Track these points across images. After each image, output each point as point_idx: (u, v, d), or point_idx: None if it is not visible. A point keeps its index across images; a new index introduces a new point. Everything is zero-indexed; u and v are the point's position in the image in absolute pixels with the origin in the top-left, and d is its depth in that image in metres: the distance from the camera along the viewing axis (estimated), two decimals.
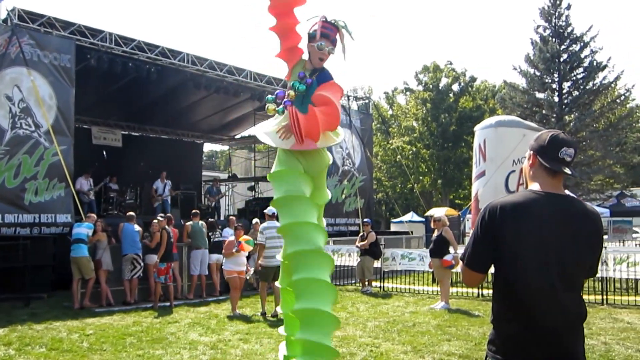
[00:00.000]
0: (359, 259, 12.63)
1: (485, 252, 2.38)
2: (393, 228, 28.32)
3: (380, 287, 12.46)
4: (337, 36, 4.30)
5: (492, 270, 2.49)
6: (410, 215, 29.40)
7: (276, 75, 16.12)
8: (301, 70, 4.35)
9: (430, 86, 37.08)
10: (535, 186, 2.40)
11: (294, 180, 4.26)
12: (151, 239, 10.14)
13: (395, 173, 36.89)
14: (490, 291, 7.70)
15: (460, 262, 2.51)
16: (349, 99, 18.31)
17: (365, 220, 13.63)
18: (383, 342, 7.02)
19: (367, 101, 20.70)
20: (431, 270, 11.49)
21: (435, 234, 10.42)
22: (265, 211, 9.64)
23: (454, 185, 36.52)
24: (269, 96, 4.39)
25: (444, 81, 37.63)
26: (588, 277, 2.48)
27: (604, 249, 9.16)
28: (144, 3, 79.13)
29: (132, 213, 11.01)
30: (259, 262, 9.06)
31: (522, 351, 2.28)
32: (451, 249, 10.14)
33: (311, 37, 4.30)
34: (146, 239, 10.31)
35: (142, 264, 10.19)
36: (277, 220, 9.65)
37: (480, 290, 11.24)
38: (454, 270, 10.65)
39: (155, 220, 10.33)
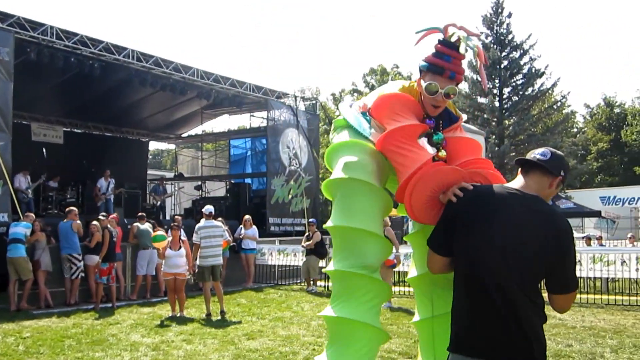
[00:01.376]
0: (304, 259, 12.74)
1: (444, 235, 2.38)
2: None
3: (325, 286, 12.59)
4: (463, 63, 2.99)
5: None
6: None
7: (223, 74, 16.02)
8: (424, 114, 3.05)
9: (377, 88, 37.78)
10: (511, 183, 2.41)
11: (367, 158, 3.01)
12: (91, 239, 9.91)
13: None
14: None
15: (428, 257, 2.50)
16: (296, 99, 18.40)
17: (310, 220, 13.75)
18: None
19: (314, 102, 20.85)
20: None
21: None
22: (203, 210, 9.60)
23: None
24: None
25: None
26: (562, 289, 2.34)
27: None
28: None
29: (72, 208, 10.68)
30: (195, 262, 9.02)
31: (468, 347, 2.26)
32: (393, 249, 10.35)
33: (421, 71, 2.98)
34: (87, 239, 10.07)
35: (78, 264, 9.93)
36: (215, 219, 9.71)
37: None
38: (395, 269, 10.89)
39: (94, 222, 10.09)
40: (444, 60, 2.87)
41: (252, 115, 19.63)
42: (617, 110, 42.88)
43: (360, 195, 2.94)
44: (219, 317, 8.73)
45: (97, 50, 13.14)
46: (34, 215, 10.35)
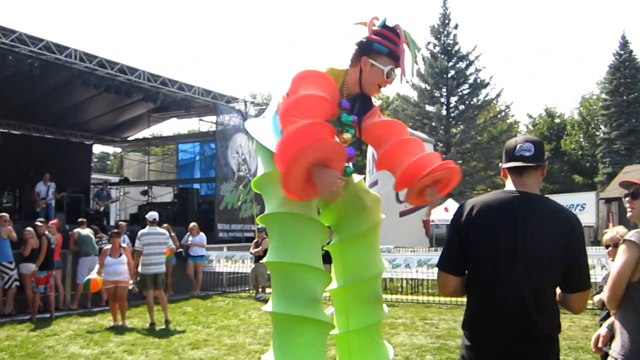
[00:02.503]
0: (252, 266, 12.62)
1: (457, 252, 2.28)
2: None
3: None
4: (405, 48, 3.03)
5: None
6: None
7: (171, 77, 15.71)
8: (343, 97, 3.06)
9: None
10: (509, 186, 2.35)
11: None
12: (25, 247, 9.47)
13: None
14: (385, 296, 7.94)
15: (439, 280, 2.38)
16: (246, 105, 18.27)
17: (259, 226, 13.65)
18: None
19: (264, 107, 20.75)
20: None
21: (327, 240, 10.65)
22: (147, 216, 9.36)
23: None
24: (348, 168, 3.08)
25: None
26: (578, 287, 2.30)
27: None
28: None
29: (3, 214, 10.17)
30: (137, 269, 8.78)
31: (489, 354, 2.22)
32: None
33: (373, 51, 2.99)
34: (22, 246, 9.63)
35: (10, 273, 9.47)
36: (159, 226, 9.48)
37: None
38: None
39: (29, 228, 9.65)
40: (394, 44, 2.96)
41: (201, 120, 19.35)
42: (557, 120, 44.88)
43: (300, 231, 2.88)
44: (163, 326, 8.51)
45: (37, 49, 12.60)
46: None
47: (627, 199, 2.99)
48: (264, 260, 3.01)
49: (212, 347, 7.11)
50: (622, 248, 2.74)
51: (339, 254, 3.17)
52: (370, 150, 17.27)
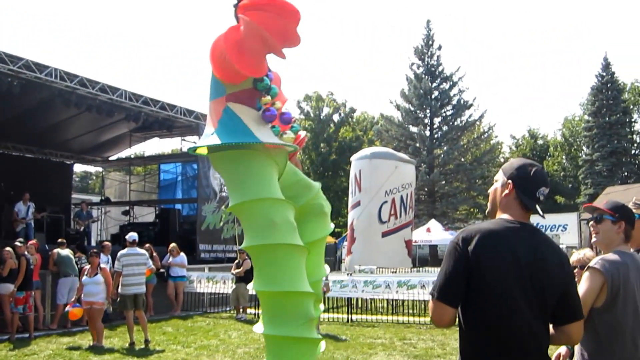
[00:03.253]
0: (233, 286, 12.81)
1: (460, 283, 2.20)
2: None
3: (255, 314, 12.69)
4: None
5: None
6: None
7: (153, 96, 15.97)
8: None
9: (312, 115, 38.46)
10: (506, 216, 2.33)
11: (289, 216, 3.30)
12: (3, 268, 9.63)
13: None
14: (362, 316, 8.32)
15: (430, 299, 2.30)
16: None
17: (240, 248, 13.86)
18: None
19: None
20: None
21: None
22: (126, 237, 9.58)
23: (333, 214, 37.80)
24: (275, 127, 3.52)
25: (325, 111, 39.19)
26: (576, 316, 2.34)
27: None
28: (7, 12, 73.93)
29: None
30: (116, 290, 8.96)
31: None
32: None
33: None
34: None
35: None
36: (140, 246, 9.69)
37: (349, 316, 11.88)
38: (326, 295, 11.19)
39: (7, 248, 9.81)
40: None
41: (183, 140, 19.60)
42: (540, 141, 45.71)
43: (290, 260, 3.18)
44: (143, 346, 8.69)
45: (17, 68, 12.75)
46: None
47: (591, 223, 3.14)
48: (250, 286, 3.32)
49: None
50: (586, 275, 2.86)
51: (309, 256, 3.51)
52: (352, 171, 17.64)
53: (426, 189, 31.57)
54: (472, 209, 34.37)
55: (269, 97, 3.38)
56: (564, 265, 2.30)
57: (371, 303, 13.64)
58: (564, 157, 43.26)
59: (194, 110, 17.32)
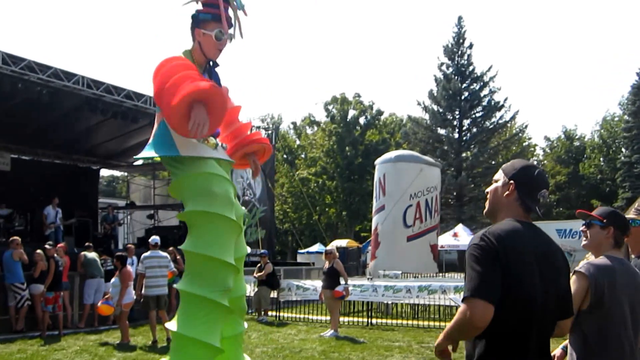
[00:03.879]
0: (255, 289, 13.37)
1: (497, 279, 2.21)
2: (299, 259, 29.29)
3: (276, 316, 13.21)
4: (230, 12, 3.69)
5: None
6: (317, 246, 30.52)
7: None
8: None
9: (338, 118, 38.87)
10: (511, 217, 2.43)
11: (230, 192, 3.65)
12: (34, 269, 10.40)
13: (301, 204, 38.08)
14: (382, 320, 8.79)
15: (464, 303, 2.23)
16: (251, 130, 19.18)
17: (262, 251, 14.42)
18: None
19: (270, 132, 21.68)
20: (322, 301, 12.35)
21: (327, 265, 11.38)
22: (149, 240, 10.27)
23: (359, 218, 38.12)
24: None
25: (351, 113, 39.52)
26: (571, 312, 2.55)
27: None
28: (36, 22, 76.52)
29: (14, 238, 11.15)
30: (140, 292, 9.61)
31: None
32: (342, 280, 11.11)
33: (200, 21, 3.67)
34: (32, 268, 10.56)
35: (22, 293, 10.40)
36: (160, 250, 10.34)
37: (369, 320, 12.27)
38: (345, 299, 11.64)
39: (38, 251, 10.58)
40: (215, 8, 3.61)
41: None
42: (576, 143, 44.95)
43: (222, 230, 3.54)
44: (165, 344, 9.26)
45: (46, 76, 13.53)
46: None
47: (582, 228, 3.40)
48: (181, 246, 3.66)
49: None
50: (573, 278, 2.97)
51: None
52: (377, 175, 18.02)
53: (454, 193, 31.67)
54: None
55: None
56: (566, 264, 2.48)
57: (393, 308, 14.00)
58: (601, 159, 42.50)
59: None
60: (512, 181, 2.44)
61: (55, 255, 10.57)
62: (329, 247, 12.31)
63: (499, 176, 2.53)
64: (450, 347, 2.36)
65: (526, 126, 36.10)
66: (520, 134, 35.66)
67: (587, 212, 3.36)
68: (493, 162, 32.97)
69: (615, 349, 3.03)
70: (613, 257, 3.16)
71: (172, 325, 3.61)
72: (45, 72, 13.57)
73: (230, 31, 3.68)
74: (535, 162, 40.57)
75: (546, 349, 2.37)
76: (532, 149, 40.73)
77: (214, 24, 3.64)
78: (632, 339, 3.09)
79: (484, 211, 2.62)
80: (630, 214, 3.69)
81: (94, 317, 11.41)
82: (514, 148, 35.13)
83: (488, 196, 2.57)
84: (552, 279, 2.33)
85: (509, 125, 34.56)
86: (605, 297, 2.98)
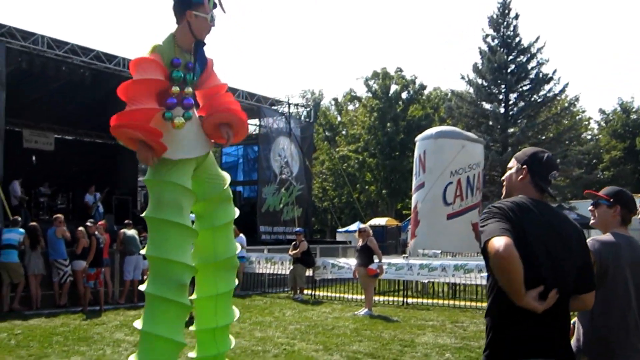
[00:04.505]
0: (291, 267, 13.73)
1: (509, 227, 2.37)
2: (338, 238, 29.61)
3: (311, 294, 13.54)
4: None
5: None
6: (357, 225, 30.73)
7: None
8: (175, 56, 3.94)
9: (380, 93, 38.65)
10: (524, 193, 2.63)
11: (178, 198, 3.92)
12: (77, 246, 10.99)
13: (341, 182, 38.28)
14: (418, 300, 9.00)
15: (488, 243, 2.33)
16: (289, 106, 19.44)
17: (297, 229, 14.75)
18: (299, 342, 7.98)
19: (309, 109, 21.87)
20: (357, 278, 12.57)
21: (360, 243, 11.57)
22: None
23: (400, 195, 38.00)
24: (167, 113, 3.90)
25: (393, 88, 39.23)
26: (591, 286, 2.66)
27: None
28: (78, 6, 78.23)
29: (57, 215, 11.80)
30: None
31: (529, 351, 2.43)
32: (375, 258, 11.27)
33: (193, 4, 3.90)
34: (74, 245, 11.18)
35: (65, 269, 11.04)
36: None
37: (405, 299, 12.46)
38: (378, 278, 11.84)
39: (80, 228, 11.18)
40: None
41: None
42: (633, 116, 43.28)
43: (175, 233, 3.91)
44: None
45: (88, 59, 14.23)
46: (20, 219, 11.47)
47: (589, 208, 3.63)
48: (143, 252, 4.02)
49: (242, 338, 8.23)
50: None
51: (211, 237, 4.24)
52: (417, 152, 18.02)
53: (499, 169, 31.20)
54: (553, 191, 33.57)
55: (177, 88, 3.90)
56: (581, 238, 2.63)
57: (430, 287, 14.12)
58: None
59: (255, 93, 18.31)
60: (524, 166, 2.67)
61: (96, 232, 11.14)
62: (362, 225, 12.50)
63: (512, 164, 2.75)
64: (530, 293, 2.37)
65: (577, 99, 34.99)
66: (571, 108, 34.65)
67: (594, 192, 3.56)
68: (543, 137, 32.18)
69: (619, 324, 3.19)
70: (619, 234, 3.33)
71: (137, 323, 3.95)
72: (88, 55, 14.26)
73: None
74: (589, 137, 39.59)
75: (561, 322, 2.52)
76: (586, 122, 39.48)
77: (206, 7, 3.91)
78: (637, 315, 3.23)
79: (502, 196, 2.80)
80: None
81: (133, 293, 12.00)
82: (566, 122, 34.20)
83: (504, 183, 2.79)
84: (563, 252, 2.49)
85: (558, 98, 33.63)
86: (610, 272, 3.13)
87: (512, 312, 2.40)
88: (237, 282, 4.50)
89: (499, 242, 2.28)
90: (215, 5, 3.96)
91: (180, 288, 3.86)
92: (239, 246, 14.20)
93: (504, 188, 2.79)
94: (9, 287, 10.47)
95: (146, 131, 3.72)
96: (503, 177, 2.83)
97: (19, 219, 11.44)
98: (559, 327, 2.51)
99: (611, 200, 3.42)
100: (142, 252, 4.21)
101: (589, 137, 41.30)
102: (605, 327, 3.20)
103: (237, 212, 4.38)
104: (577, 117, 37.41)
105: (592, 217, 3.54)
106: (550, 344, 2.45)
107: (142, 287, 4.02)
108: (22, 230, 10.91)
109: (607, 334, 3.19)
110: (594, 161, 39.18)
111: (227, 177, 4.41)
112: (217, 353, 4.33)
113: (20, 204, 14.55)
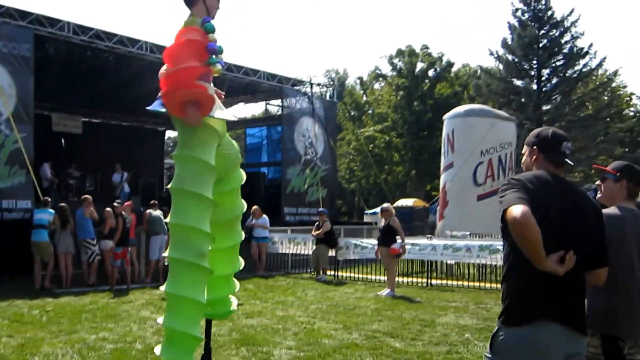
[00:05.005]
0: (314, 248, 13.98)
1: (526, 196, 2.51)
2: (366, 219, 29.76)
3: (334, 275, 13.76)
4: None
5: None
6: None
7: (236, 63, 17.32)
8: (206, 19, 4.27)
9: (405, 71, 38.34)
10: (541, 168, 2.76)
11: (202, 172, 4.27)
12: (104, 226, 11.45)
13: (369, 162, 38.32)
14: (443, 281, 9.13)
15: (507, 212, 2.46)
16: (311, 86, 19.57)
17: (320, 209, 14.96)
18: (319, 321, 8.23)
19: (332, 88, 21.97)
20: (379, 258, 12.71)
21: (383, 223, 11.71)
22: None
23: (429, 176, 37.76)
24: (211, 58, 4.16)
25: (419, 66, 38.86)
26: (605, 262, 2.80)
27: None
28: None
29: (85, 196, 12.28)
30: None
31: (545, 313, 2.56)
32: (398, 238, 11.38)
33: None
34: (102, 225, 11.64)
35: (93, 248, 11.53)
36: None
37: (429, 280, 12.59)
38: (401, 258, 11.99)
39: (108, 208, 11.63)
40: None
41: (268, 104, 20.96)
42: None
43: (194, 203, 4.21)
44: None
45: (112, 44, 14.70)
46: (50, 200, 12.01)
47: (597, 182, 3.77)
48: (167, 219, 4.36)
49: (264, 317, 8.54)
50: None
51: (227, 198, 4.65)
52: (445, 131, 17.98)
53: None
54: (590, 171, 32.95)
55: (214, 35, 4.19)
56: (599, 216, 2.75)
57: (457, 269, 14.18)
58: None
59: (277, 74, 18.50)
60: (534, 147, 2.81)
61: (123, 213, 11.57)
62: (385, 205, 12.60)
63: (524, 150, 2.90)
64: (551, 257, 2.49)
65: (615, 73, 34.03)
66: (610, 83, 33.75)
67: (602, 167, 3.72)
68: (582, 114, 31.49)
69: (623, 297, 3.30)
70: (624, 208, 3.44)
71: (163, 286, 4.29)
72: (112, 40, 14.73)
73: None
74: (632, 113, 38.24)
75: (577, 289, 2.67)
76: (628, 98, 38.28)
77: None
78: None
79: None
80: None
81: (159, 272, 12.43)
82: (605, 99, 33.38)
83: (523, 169, 2.92)
84: (580, 224, 2.62)
85: (595, 74, 32.81)
86: (613, 245, 3.14)
87: (529, 279, 2.53)
88: (242, 236, 4.92)
89: (517, 210, 2.40)
90: None
91: (201, 253, 4.19)
92: (266, 229, 14.26)
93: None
94: (40, 265, 11.03)
95: (193, 87, 4.04)
96: (521, 165, 2.97)
97: (49, 199, 11.98)
98: (575, 293, 2.62)
99: (617, 174, 3.54)
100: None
101: (632, 113, 40.00)
102: (610, 300, 3.29)
103: (244, 176, 4.82)
104: (618, 93, 36.45)
105: (599, 192, 3.65)
106: (566, 308, 2.57)
107: (165, 254, 4.37)
108: (52, 210, 11.43)
109: (611, 306, 3.29)
110: (639, 139, 37.90)
111: (235, 143, 4.83)
112: (230, 292, 4.82)
113: (50, 186, 15.14)
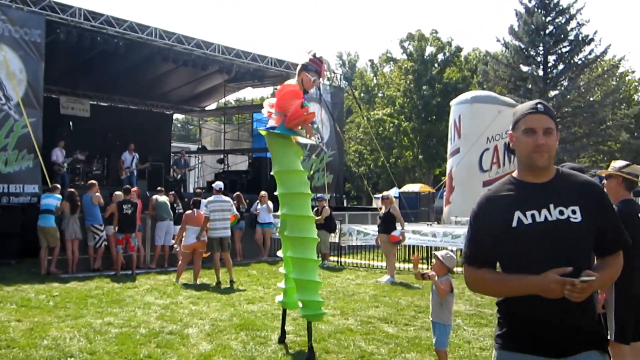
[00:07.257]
0: None
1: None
2: (375, 204, 29.81)
3: (337, 261, 13.92)
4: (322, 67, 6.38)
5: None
6: (394, 191, 30.78)
7: (244, 49, 17.40)
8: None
9: (415, 55, 38.13)
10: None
11: (302, 177, 6.48)
12: (107, 210, 11.61)
13: (377, 146, 38.34)
14: None
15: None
16: None
17: (319, 195, 15.00)
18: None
19: (340, 74, 21.95)
20: (379, 245, 12.79)
21: (383, 210, 11.82)
22: (213, 185, 11.18)
23: (437, 160, 37.68)
24: (304, 103, 6.12)
25: (428, 50, 38.64)
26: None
27: None
28: None
29: (92, 182, 12.41)
30: (205, 233, 10.51)
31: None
32: (398, 225, 11.53)
33: (308, 69, 6.22)
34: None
35: (100, 234, 11.67)
36: (224, 195, 11.21)
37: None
38: (401, 244, 12.10)
39: (117, 192, 11.76)
40: (317, 65, 6.30)
41: (275, 89, 20.96)
42: None
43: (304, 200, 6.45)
44: (228, 285, 10.23)
45: (122, 30, 14.81)
46: (59, 186, 12.14)
47: (603, 182, 4.23)
48: (285, 233, 6.17)
49: (265, 302, 8.71)
50: None
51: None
52: (452, 117, 18.00)
53: None
54: (596, 156, 32.85)
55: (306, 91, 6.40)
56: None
57: (459, 256, 14.23)
58: None
59: (284, 60, 18.53)
60: (510, 131, 2.52)
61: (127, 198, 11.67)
62: (385, 193, 12.76)
63: (508, 139, 2.58)
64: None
65: (620, 60, 33.83)
66: (616, 69, 33.58)
67: (599, 173, 4.38)
68: (591, 99, 31.41)
69: (627, 281, 3.42)
70: (627, 201, 4.05)
71: (292, 274, 6.25)
72: (122, 26, 14.84)
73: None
74: (638, 99, 37.87)
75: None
76: (636, 83, 37.93)
77: (314, 73, 6.26)
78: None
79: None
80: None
81: (164, 258, 12.61)
82: (612, 83, 33.21)
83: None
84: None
85: (601, 60, 32.64)
86: None
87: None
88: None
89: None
90: (319, 75, 6.37)
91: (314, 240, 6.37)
92: (270, 215, 14.90)
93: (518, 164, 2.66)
94: (46, 250, 11.15)
95: (304, 115, 6.08)
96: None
97: (58, 186, 12.11)
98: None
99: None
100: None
101: (638, 98, 39.57)
102: (619, 286, 3.67)
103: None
104: (627, 78, 36.17)
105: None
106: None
107: (290, 254, 6.28)
108: (59, 196, 11.54)
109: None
110: None
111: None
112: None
113: (59, 170, 15.31)
